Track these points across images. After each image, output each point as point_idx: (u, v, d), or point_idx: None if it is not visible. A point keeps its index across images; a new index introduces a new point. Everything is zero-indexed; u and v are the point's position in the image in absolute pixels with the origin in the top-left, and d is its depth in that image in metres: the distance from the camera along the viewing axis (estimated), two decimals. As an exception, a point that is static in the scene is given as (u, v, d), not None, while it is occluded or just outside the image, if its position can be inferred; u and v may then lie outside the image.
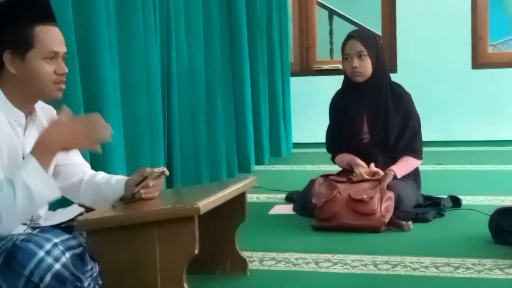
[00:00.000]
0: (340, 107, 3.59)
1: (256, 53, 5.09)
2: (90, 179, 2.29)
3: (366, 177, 3.29)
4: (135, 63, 3.28)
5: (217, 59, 4.39)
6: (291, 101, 6.04)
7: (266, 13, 5.34)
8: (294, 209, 3.55)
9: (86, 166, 2.36)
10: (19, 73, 2.04)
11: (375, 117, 3.49)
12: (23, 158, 2.08)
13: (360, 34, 3.52)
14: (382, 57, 3.50)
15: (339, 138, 3.60)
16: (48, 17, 2.08)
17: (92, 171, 2.36)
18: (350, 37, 3.49)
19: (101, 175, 2.34)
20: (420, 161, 3.55)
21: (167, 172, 2.26)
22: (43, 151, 1.96)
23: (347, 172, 3.46)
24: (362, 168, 3.35)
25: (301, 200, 3.52)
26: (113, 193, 2.24)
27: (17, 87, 2.06)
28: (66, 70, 2.10)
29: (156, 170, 2.23)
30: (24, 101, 2.09)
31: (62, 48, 2.10)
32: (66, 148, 2.03)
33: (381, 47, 3.54)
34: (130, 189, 2.22)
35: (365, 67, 3.44)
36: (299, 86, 6.29)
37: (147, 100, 3.38)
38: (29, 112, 2.13)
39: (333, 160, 3.67)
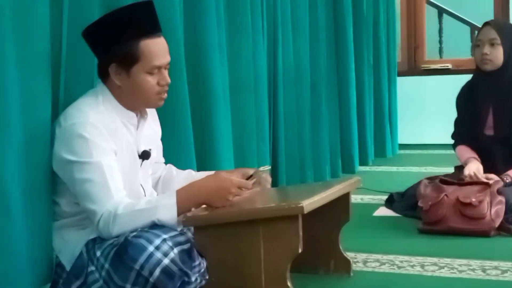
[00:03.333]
0: (467, 97, 3.50)
1: (361, 52, 5.05)
2: (167, 173, 2.40)
3: (482, 177, 3.19)
4: (244, 63, 3.33)
5: (322, 58, 4.39)
6: (398, 101, 5.93)
7: (373, 12, 5.29)
8: (396, 209, 3.50)
9: (162, 164, 2.45)
10: (123, 85, 2.11)
11: (501, 111, 3.36)
12: (138, 155, 2.18)
13: (496, 22, 3.47)
14: None
15: (463, 129, 3.51)
16: (153, 30, 2.11)
17: (174, 168, 2.44)
18: (485, 24, 3.41)
19: (169, 168, 2.43)
20: None
21: (269, 179, 2.29)
22: (189, 198, 2.06)
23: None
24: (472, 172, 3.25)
25: (406, 201, 3.47)
26: None
27: (123, 95, 2.14)
28: (169, 80, 2.15)
29: (262, 168, 2.27)
30: (131, 105, 2.17)
31: (165, 59, 2.13)
32: (207, 205, 2.11)
33: None
34: None
35: (496, 55, 3.34)
36: (406, 86, 6.17)
37: (255, 99, 3.43)
38: (139, 111, 2.22)
39: (454, 148, 3.58)
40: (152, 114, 2.31)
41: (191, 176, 2.39)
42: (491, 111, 3.38)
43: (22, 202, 1.98)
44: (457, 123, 3.59)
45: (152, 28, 2.11)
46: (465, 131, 3.48)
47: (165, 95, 2.18)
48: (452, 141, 3.60)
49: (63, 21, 2.20)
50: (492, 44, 3.33)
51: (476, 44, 3.41)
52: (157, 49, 2.10)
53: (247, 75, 3.36)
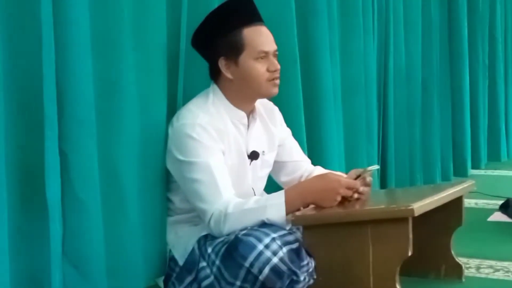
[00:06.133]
0: None
1: (476, 52, 4.91)
2: (309, 175, 2.39)
3: None
4: (355, 64, 3.32)
5: (435, 59, 4.31)
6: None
7: (489, 10, 5.12)
8: (511, 215, 3.38)
9: (307, 162, 2.47)
10: (235, 77, 2.16)
11: None
12: (247, 155, 2.21)
13: None
14: None
15: None
16: (254, 18, 2.17)
17: (311, 167, 2.45)
18: None
19: (318, 170, 2.42)
20: None
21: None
22: (297, 197, 2.08)
23: None
24: None
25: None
26: None
27: (235, 89, 2.18)
28: (278, 66, 2.17)
29: (370, 168, 2.25)
30: (243, 101, 2.21)
31: (271, 47, 2.17)
32: (315, 205, 2.12)
33: None
34: None
35: None
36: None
37: (365, 101, 3.41)
38: (250, 110, 2.25)
39: None
40: (271, 116, 2.34)
41: None
42: None
43: (138, 198, 2.07)
44: None
45: (253, 17, 2.17)
46: None
47: (278, 82, 2.19)
48: None
49: (181, 24, 2.27)
50: None
51: None
52: (260, 35, 2.15)
53: (358, 76, 3.35)
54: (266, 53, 2.15)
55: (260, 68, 2.14)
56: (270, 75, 2.16)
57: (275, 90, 2.20)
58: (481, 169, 4.98)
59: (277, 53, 2.19)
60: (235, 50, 2.13)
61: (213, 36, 2.15)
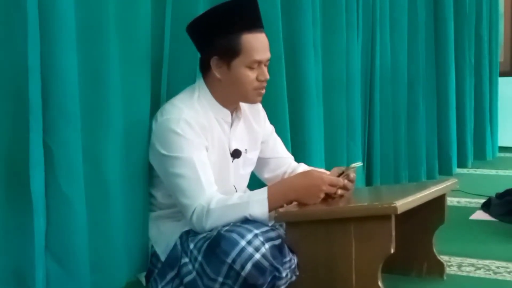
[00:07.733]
0: None
1: (463, 52, 4.92)
2: (293, 171, 2.40)
3: None
4: (336, 61, 3.33)
5: (421, 57, 4.33)
6: (499, 102, 5.74)
7: (476, 10, 5.14)
8: (493, 214, 3.41)
9: (291, 158, 2.47)
10: (223, 78, 2.15)
11: None
12: (229, 153, 2.22)
13: None
14: None
15: None
16: (256, 25, 2.15)
17: (295, 163, 2.46)
18: None
19: (302, 167, 2.43)
20: None
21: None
22: (280, 194, 2.09)
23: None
24: None
25: (504, 205, 3.37)
26: None
27: (222, 89, 2.18)
28: (268, 77, 2.17)
29: (353, 165, 2.26)
30: (228, 101, 2.21)
31: (265, 55, 2.16)
32: (298, 202, 2.13)
33: None
34: None
35: None
36: (508, 86, 5.96)
37: (346, 98, 3.42)
38: (234, 109, 2.25)
39: None
40: (255, 114, 2.34)
41: None
42: None
43: (121, 193, 2.07)
44: None
45: (255, 23, 2.15)
46: None
47: (263, 91, 2.20)
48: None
49: (166, 19, 2.28)
50: None
51: None
52: (258, 44, 2.13)
53: (340, 73, 3.36)
54: (260, 62, 2.15)
55: (251, 76, 2.14)
56: (258, 84, 2.16)
57: (258, 99, 2.22)
58: (467, 168, 5.01)
59: (268, 63, 2.19)
60: (230, 53, 2.12)
61: (211, 33, 2.13)
